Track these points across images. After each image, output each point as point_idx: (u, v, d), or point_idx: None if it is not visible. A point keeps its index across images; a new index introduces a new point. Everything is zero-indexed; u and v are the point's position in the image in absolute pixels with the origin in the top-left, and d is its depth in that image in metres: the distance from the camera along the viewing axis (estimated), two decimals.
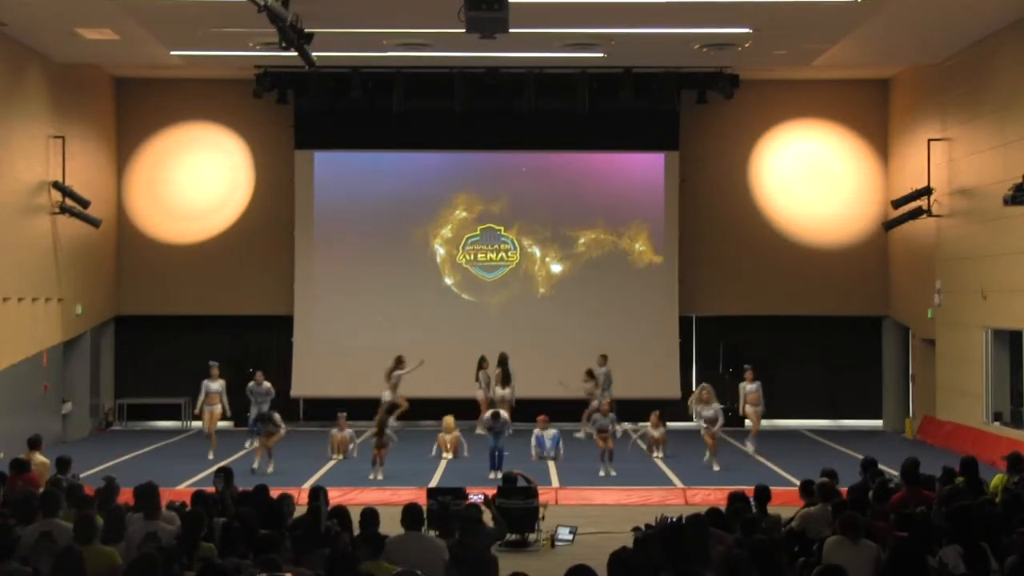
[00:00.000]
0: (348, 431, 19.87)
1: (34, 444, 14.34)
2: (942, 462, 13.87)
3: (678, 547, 8.23)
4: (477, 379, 22.39)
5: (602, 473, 18.28)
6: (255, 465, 18.48)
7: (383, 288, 25.20)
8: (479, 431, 21.08)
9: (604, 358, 22.78)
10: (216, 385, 20.01)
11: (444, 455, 19.62)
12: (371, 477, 17.77)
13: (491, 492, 13.61)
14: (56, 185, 21.93)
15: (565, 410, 22.66)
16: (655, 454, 20.00)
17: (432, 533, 10.36)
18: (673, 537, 8.36)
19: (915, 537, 8.29)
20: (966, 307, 21.40)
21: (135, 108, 25.56)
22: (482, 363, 22.48)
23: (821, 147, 25.84)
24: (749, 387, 21.20)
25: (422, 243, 25.32)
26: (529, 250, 25.34)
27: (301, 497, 13.78)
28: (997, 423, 20.41)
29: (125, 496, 10.96)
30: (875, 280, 25.66)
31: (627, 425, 24.30)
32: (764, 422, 22.72)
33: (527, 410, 22.71)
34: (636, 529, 10.21)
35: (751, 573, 7.48)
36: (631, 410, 24.55)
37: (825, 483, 10.99)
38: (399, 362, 21.79)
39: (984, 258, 20.70)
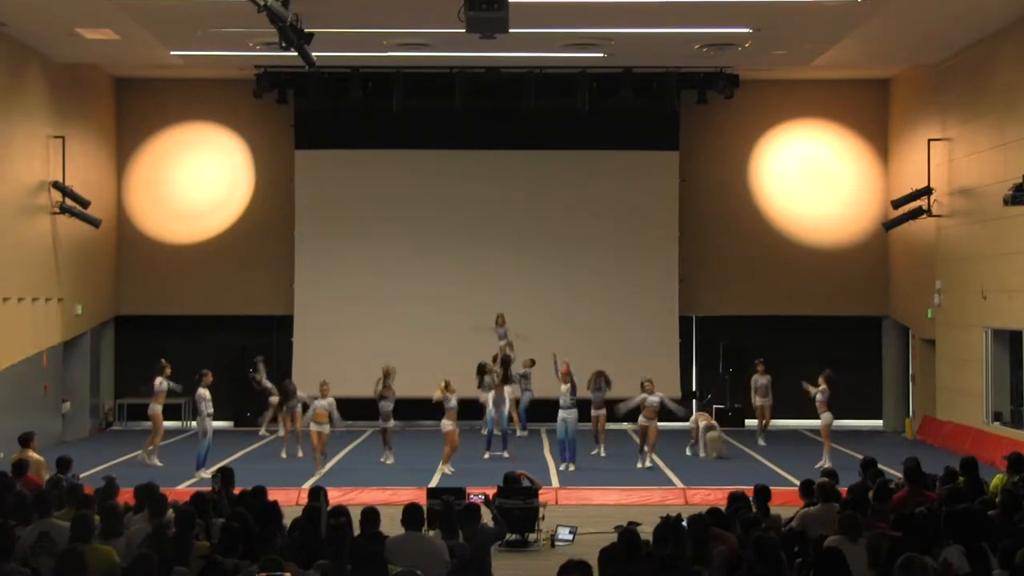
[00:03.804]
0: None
1: (25, 441, 14.28)
2: (942, 462, 13.86)
3: (678, 544, 8.26)
4: (481, 385, 21.72)
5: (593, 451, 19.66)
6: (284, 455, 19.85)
7: (383, 288, 25.20)
8: (483, 431, 21.17)
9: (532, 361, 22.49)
10: (324, 402, 19.12)
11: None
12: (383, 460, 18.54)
13: (491, 492, 13.61)
14: (56, 185, 21.92)
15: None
16: (646, 463, 19.22)
17: (432, 533, 10.36)
18: (673, 534, 8.39)
19: (914, 537, 8.28)
20: (966, 307, 21.40)
21: (135, 108, 25.56)
22: (482, 369, 21.92)
23: (821, 147, 25.84)
24: (761, 380, 22.06)
25: (422, 242, 25.30)
26: (530, 249, 25.32)
27: (301, 497, 13.83)
28: (997, 423, 20.40)
29: (126, 496, 10.96)
30: (875, 280, 25.65)
31: (627, 425, 24.39)
32: (755, 422, 22.74)
33: (530, 412, 22.78)
34: (619, 527, 10.25)
35: (754, 571, 7.50)
36: (630, 410, 24.57)
37: (825, 483, 10.99)
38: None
39: (984, 258, 20.69)
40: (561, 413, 19.09)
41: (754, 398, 22.38)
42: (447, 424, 18.45)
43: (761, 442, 21.90)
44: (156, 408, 19.58)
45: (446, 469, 18.23)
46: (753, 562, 7.78)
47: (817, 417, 19.37)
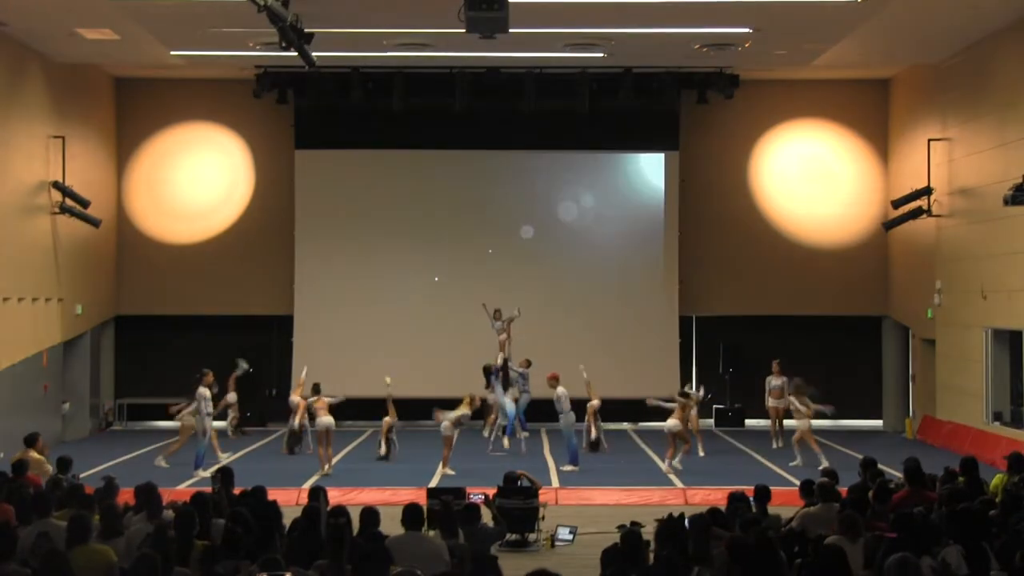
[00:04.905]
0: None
1: (29, 442, 14.32)
2: (942, 462, 13.87)
3: (680, 543, 8.26)
4: (489, 386, 21.84)
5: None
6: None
7: (383, 288, 25.21)
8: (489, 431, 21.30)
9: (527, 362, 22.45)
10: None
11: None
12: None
13: (491, 492, 13.62)
14: (56, 185, 21.92)
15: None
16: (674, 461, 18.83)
17: (432, 533, 10.35)
18: (674, 534, 8.39)
19: (912, 537, 8.28)
20: (966, 307, 21.40)
21: (135, 108, 25.56)
22: (488, 371, 21.99)
23: (821, 147, 25.84)
24: (775, 382, 21.68)
25: (422, 242, 25.30)
26: (529, 249, 25.32)
27: (301, 497, 13.84)
28: (997, 423, 20.40)
29: (125, 496, 10.96)
30: (875, 280, 25.65)
31: (627, 425, 24.45)
32: (762, 422, 22.69)
33: (529, 412, 22.77)
34: (621, 527, 10.24)
35: (727, 571, 7.51)
36: (630, 410, 24.65)
37: (825, 483, 10.99)
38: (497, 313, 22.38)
39: (984, 258, 20.70)
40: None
41: (767, 399, 21.90)
42: (448, 428, 18.35)
43: (777, 445, 21.62)
44: (189, 418, 18.95)
45: (447, 471, 18.20)
46: (725, 561, 7.78)
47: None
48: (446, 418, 18.22)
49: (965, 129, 21.65)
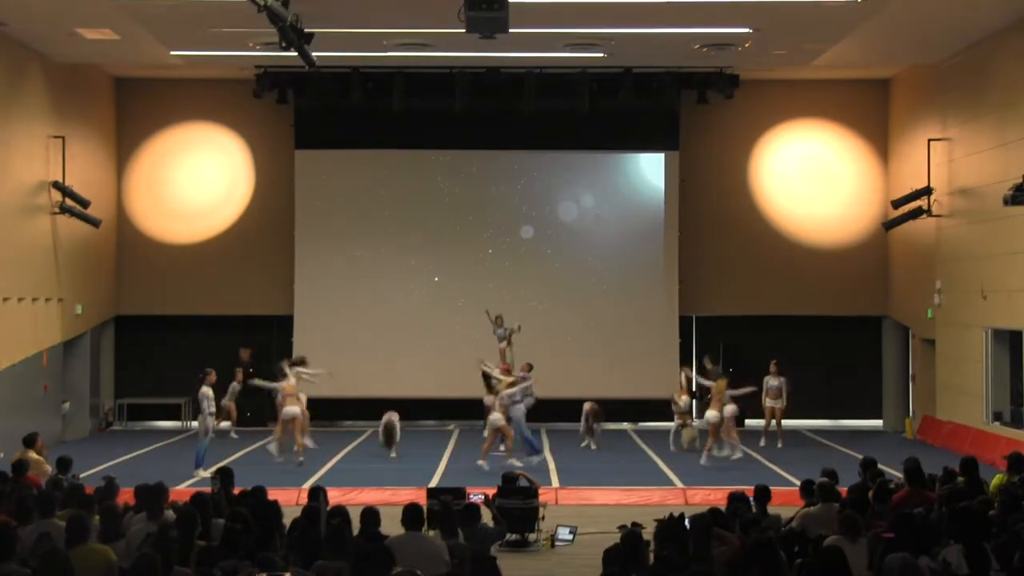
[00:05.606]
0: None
1: (28, 442, 14.33)
2: (942, 462, 13.87)
3: (680, 543, 8.28)
4: (489, 390, 21.81)
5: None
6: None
7: (383, 288, 25.20)
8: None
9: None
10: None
11: None
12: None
13: (491, 492, 13.62)
14: (56, 185, 21.92)
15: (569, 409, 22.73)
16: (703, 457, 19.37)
17: (432, 533, 10.36)
18: (675, 533, 8.40)
19: (911, 537, 8.28)
20: (966, 307, 21.40)
21: (135, 108, 25.56)
22: (487, 375, 22.04)
23: (821, 147, 25.83)
24: (772, 382, 21.77)
25: (422, 242, 25.30)
26: (529, 249, 25.31)
27: (301, 497, 13.84)
28: (997, 423, 20.40)
29: (126, 496, 10.96)
30: (875, 280, 25.65)
31: (627, 425, 24.45)
32: (762, 422, 22.66)
33: (530, 412, 22.73)
34: (622, 527, 10.25)
35: (751, 571, 7.50)
36: (630, 410, 24.64)
37: (825, 483, 10.99)
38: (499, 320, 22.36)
39: (984, 258, 20.70)
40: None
41: (764, 399, 21.95)
42: (499, 419, 18.46)
43: (765, 444, 21.61)
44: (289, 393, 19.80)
45: (484, 464, 18.23)
46: (727, 565, 7.78)
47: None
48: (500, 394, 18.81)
49: (965, 129, 21.66)
